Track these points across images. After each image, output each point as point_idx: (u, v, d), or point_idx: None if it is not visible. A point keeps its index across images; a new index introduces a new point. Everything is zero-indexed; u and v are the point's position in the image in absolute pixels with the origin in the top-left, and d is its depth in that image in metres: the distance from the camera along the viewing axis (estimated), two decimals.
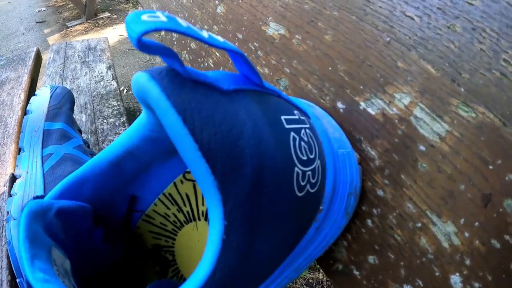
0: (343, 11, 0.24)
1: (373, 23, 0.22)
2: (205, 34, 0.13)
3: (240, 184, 0.12)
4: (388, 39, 0.21)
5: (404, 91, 0.21)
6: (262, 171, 0.14)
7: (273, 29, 0.28)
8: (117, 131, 0.56)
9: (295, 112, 0.18)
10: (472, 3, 0.18)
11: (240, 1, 0.32)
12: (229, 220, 0.12)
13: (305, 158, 0.17)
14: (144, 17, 0.11)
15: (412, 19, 0.20)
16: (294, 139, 0.17)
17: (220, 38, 0.14)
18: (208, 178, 0.11)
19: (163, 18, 0.12)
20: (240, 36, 0.32)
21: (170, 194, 0.23)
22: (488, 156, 0.18)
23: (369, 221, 0.23)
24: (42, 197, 0.19)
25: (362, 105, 0.23)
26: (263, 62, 0.29)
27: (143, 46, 0.11)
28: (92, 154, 0.45)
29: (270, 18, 0.29)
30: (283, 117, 0.17)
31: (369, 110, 0.22)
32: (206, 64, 0.37)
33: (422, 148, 0.20)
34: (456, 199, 0.19)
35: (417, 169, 0.20)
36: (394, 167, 0.21)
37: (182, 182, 0.23)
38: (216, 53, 0.35)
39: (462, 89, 0.18)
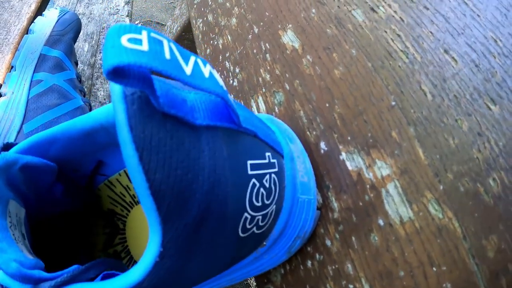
0: (361, 53, 0.21)
1: (386, 80, 0.20)
2: (188, 70, 0.11)
3: (183, 222, 0.12)
4: (393, 103, 0.19)
5: (387, 162, 0.19)
6: (208, 214, 0.14)
7: (289, 38, 0.26)
8: None
9: (267, 154, 0.17)
10: (490, 108, 0.16)
11: None
12: (165, 248, 0.12)
13: (259, 204, 0.16)
14: (124, 40, 0.09)
15: (425, 94, 0.18)
16: (254, 185, 0.16)
17: (206, 74, 0.12)
18: (153, 213, 0.11)
19: (144, 46, 0.10)
20: (256, 31, 0.29)
21: None
22: (436, 259, 0.17)
23: (309, 262, 0.23)
24: (11, 145, 0.18)
25: (343, 156, 0.21)
26: (268, 68, 0.27)
27: (114, 78, 0.09)
28: (82, 91, 0.43)
29: (290, 25, 0.26)
30: (249, 162, 0.15)
31: (348, 163, 0.21)
32: (215, 42, 0.34)
33: (381, 222, 0.19)
34: (392, 280, 0.18)
35: (369, 239, 0.19)
36: (349, 227, 0.20)
37: None
38: (228, 36, 0.32)
39: (441, 187, 0.17)
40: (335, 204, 0.21)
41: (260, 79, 0.27)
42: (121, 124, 0.11)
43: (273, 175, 0.17)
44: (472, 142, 0.16)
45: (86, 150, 0.19)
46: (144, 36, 0.10)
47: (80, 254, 0.24)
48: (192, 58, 0.12)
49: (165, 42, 0.11)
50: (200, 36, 0.37)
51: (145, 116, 0.11)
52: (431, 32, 0.18)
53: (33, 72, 0.37)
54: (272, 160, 0.17)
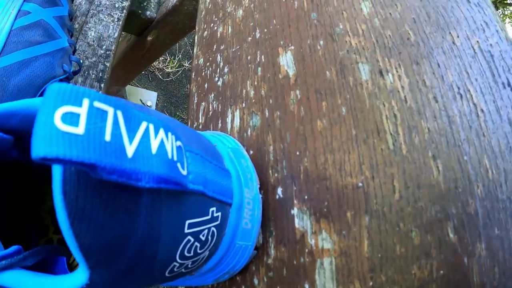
0: (350, 115, 0.18)
1: (362, 157, 0.17)
2: (130, 150, 0.09)
3: (111, 272, 0.12)
4: (360, 184, 0.17)
5: (332, 237, 0.17)
6: (136, 267, 0.13)
7: (286, 61, 0.22)
8: (112, 13, 0.46)
9: (211, 210, 0.15)
10: (449, 235, 0.14)
11: (285, 1, 0.24)
12: (91, 281, 0.12)
13: (190, 255, 0.15)
14: (58, 119, 0.08)
15: (394, 191, 0.16)
16: (188, 241, 0.14)
17: (153, 148, 0.10)
18: (81, 262, 0.11)
19: (80, 128, 0.08)
20: (257, 35, 0.25)
21: None
22: None
23: None
24: None
25: (295, 211, 0.19)
26: (255, 83, 0.23)
27: (44, 162, 0.08)
28: (70, 31, 0.37)
29: (292, 47, 0.22)
30: (188, 221, 0.14)
31: (296, 221, 0.19)
32: (215, 28, 0.29)
33: (306, 287, 0.18)
34: None
35: None
36: (278, 277, 0.19)
37: None
38: (229, 27, 0.28)
39: (371, 284, 0.16)
40: (272, 251, 0.20)
41: (244, 91, 0.24)
42: (55, 187, 0.10)
43: (212, 228, 0.15)
44: (417, 258, 0.15)
45: None
46: (84, 109, 0.08)
47: (30, 230, 0.21)
48: (143, 126, 0.10)
49: (110, 112, 0.09)
50: (203, 13, 0.32)
51: (81, 184, 0.10)
52: (428, 129, 0.16)
53: (23, 1, 0.31)
54: (215, 215, 0.15)
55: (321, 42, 0.21)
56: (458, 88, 0.16)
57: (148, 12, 0.52)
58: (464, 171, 0.15)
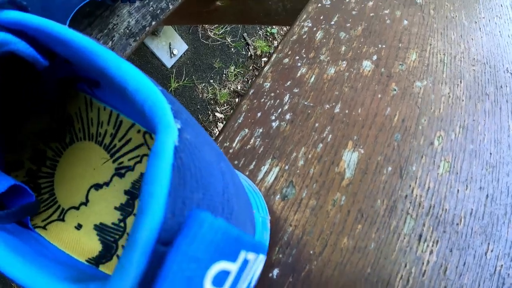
0: (374, 253, 0.19)
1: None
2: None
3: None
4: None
5: None
6: None
7: (349, 159, 0.22)
8: None
9: None
10: None
11: (378, 98, 0.23)
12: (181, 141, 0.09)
13: None
14: (208, 283, 0.06)
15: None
16: None
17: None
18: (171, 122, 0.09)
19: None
20: (336, 109, 0.24)
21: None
22: None
23: None
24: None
25: None
26: (309, 156, 0.23)
27: None
28: None
29: (362, 151, 0.22)
30: None
31: None
32: (298, 65, 0.27)
33: None
34: None
35: None
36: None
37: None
38: (313, 77, 0.26)
39: None
40: None
41: (294, 155, 0.23)
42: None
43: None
44: None
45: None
46: (236, 265, 0.06)
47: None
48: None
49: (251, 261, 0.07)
50: (293, 38, 0.29)
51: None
52: None
53: None
54: None
55: (389, 169, 0.21)
56: None
57: None
58: None
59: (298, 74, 0.27)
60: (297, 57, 0.28)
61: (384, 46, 0.27)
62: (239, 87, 1.03)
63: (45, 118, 0.19)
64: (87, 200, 0.19)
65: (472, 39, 0.27)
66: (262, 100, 0.26)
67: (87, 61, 0.12)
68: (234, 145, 0.24)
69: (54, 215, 0.18)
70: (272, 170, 0.23)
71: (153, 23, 0.37)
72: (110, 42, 0.35)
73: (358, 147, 0.23)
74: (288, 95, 0.26)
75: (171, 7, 0.38)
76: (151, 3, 0.38)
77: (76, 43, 0.12)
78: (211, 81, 1.00)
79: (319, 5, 0.33)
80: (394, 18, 0.29)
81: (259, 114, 0.25)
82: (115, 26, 0.36)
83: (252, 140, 0.24)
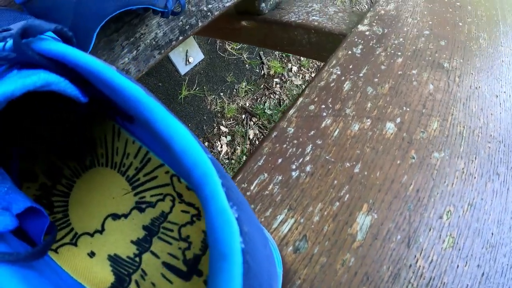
0: None
1: None
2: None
3: None
4: None
5: None
6: None
7: (362, 222, 0.23)
8: None
9: None
10: None
11: (397, 164, 0.25)
12: None
13: None
14: None
15: None
16: None
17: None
18: None
19: None
20: (355, 169, 0.25)
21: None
22: None
23: None
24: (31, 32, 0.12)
25: None
26: (325, 213, 0.24)
27: None
28: None
29: (375, 215, 0.23)
30: None
31: None
32: (323, 115, 0.28)
33: None
34: None
35: None
36: None
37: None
38: (337, 130, 0.27)
39: None
40: None
41: (310, 209, 0.24)
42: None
43: None
44: None
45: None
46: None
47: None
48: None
49: None
50: (320, 85, 0.30)
51: None
52: None
53: None
54: None
55: (398, 237, 0.23)
56: None
57: (262, 4, 0.47)
58: None
59: (323, 125, 0.28)
60: (323, 106, 0.29)
61: (408, 109, 0.28)
62: (247, 104, 1.04)
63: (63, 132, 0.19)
64: (103, 229, 0.19)
65: (491, 114, 0.29)
66: (284, 146, 0.27)
67: (133, 109, 0.13)
68: (252, 188, 0.25)
69: (67, 237, 0.19)
70: (288, 221, 0.24)
71: (180, 38, 0.38)
72: (135, 51, 0.35)
73: (372, 211, 0.24)
74: (310, 145, 0.27)
75: (200, 24, 0.38)
76: (181, 17, 0.38)
77: (123, 91, 0.12)
78: (221, 94, 1.01)
79: (349, 52, 0.34)
80: (421, 80, 0.30)
81: (280, 160, 0.26)
82: (142, 36, 0.36)
83: (270, 186, 0.25)
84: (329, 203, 0.24)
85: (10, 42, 0.14)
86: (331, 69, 0.32)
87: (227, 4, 0.40)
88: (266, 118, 1.05)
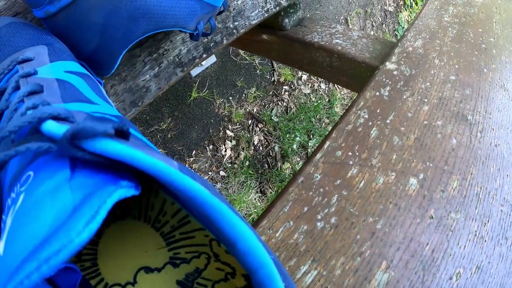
0: None
1: None
2: None
3: None
4: None
5: None
6: None
7: (380, 280, 0.24)
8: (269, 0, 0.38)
9: None
10: None
11: (417, 241, 0.26)
12: None
13: None
14: None
15: None
16: None
17: None
18: None
19: None
20: (377, 225, 0.26)
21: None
22: None
23: None
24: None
25: None
26: (346, 267, 0.25)
27: None
28: None
29: (393, 273, 0.25)
30: None
31: None
32: (349, 163, 0.29)
33: None
34: None
35: None
36: None
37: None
38: (363, 181, 0.28)
39: None
40: None
41: (333, 262, 0.25)
42: None
43: None
44: None
45: None
46: None
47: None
48: None
49: None
50: (348, 128, 0.30)
51: None
52: None
53: None
54: None
55: None
56: None
57: (286, 20, 0.45)
58: None
59: (349, 175, 0.28)
60: (350, 153, 0.30)
61: (431, 165, 0.29)
62: (255, 110, 1.03)
63: None
64: (135, 281, 0.19)
65: (507, 175, 0.30)
66: (311, 193, 0.28)
67: (197, 209, 0.13)
68: (277, 235, 0.26)
69: None
70: (311, 272, 0.25)
71: (204, 55, 0.36)
72: (157, 68, 0.34)
73: (390, 269, 0.25)
74: (336, 196, 0.27)
75: (225, 42, 0.37)
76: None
77: (188, 192, 0.12)
78: (230, 98, 0.99)
79: (377, 93, 0.34)
80: (445, 133, 0.31)
81: (305, 209, 0.27)
82: (165, 52, 0.34)
83: (295, 235, 0.26)
84: (351, 257, 0.25)
85: (27, 103, 0.14)
86: (359, 112, 0.32)
87: (253, 22, 0.39)
88: (272, 125, 1.06)
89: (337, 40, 0.44)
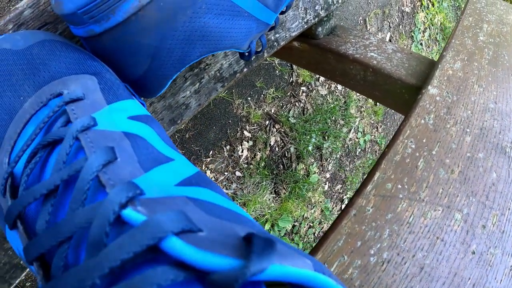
0: None
1: None
2: None
3: None
4: None
5: None
6: None
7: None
8: (309, 10, 0.35)
9: None
10: None
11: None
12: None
13: None
14: None
15: None
16: None
17: None
18: None
19: None
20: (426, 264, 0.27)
21: None
22: None
23: None
24: None
25: None
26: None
27: None
28: (287, 7, 0.27)
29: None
30: None
31: None
32: (401, 203, 0.29)
33: None
34: None
35: None
36: None
37: None
38: (412, 215, 0.29)
39: None
40: None
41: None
42: None
43: None
44: None
45: None
46: None
47: None
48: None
49: None
50: (395, 161, 0.30)
51: None
52: None
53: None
54: None
55: None
56: None
57: (319, 29, 0.43)
58: None
59: (399, 209, 0.29)
60: (399, 186, 0.30)
61: (474, 200, 0.30)
62: (272, 111, 1.01)
63: None
64: None
65: None
66: (363, 227, 0.28)
67: None
68: (332, 269, 0.27)
69: None
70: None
71: (245, 69, 0.34)
72: (198, 84, 0.32)
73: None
74: (387, 230, 0.28)
75: (266, 54, 0.35)
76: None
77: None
78: (249, 98, 0.96)
79: (422, 121, 0.34)
80: (486, 167, 0.32)
81: (359, 243, 0.28)
82: (207, 67, 0.32)
83: (350, 270, 0.27)
84: None
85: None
86: (406, 140, 0.32)
87: (293, 34, 0.37)
88: (288, 126, 1.05)
89: (372, 54, 0.43)
